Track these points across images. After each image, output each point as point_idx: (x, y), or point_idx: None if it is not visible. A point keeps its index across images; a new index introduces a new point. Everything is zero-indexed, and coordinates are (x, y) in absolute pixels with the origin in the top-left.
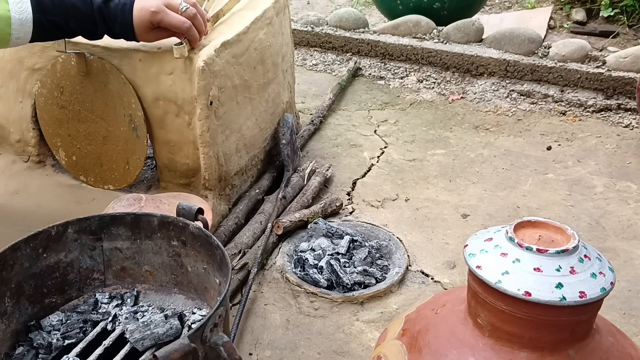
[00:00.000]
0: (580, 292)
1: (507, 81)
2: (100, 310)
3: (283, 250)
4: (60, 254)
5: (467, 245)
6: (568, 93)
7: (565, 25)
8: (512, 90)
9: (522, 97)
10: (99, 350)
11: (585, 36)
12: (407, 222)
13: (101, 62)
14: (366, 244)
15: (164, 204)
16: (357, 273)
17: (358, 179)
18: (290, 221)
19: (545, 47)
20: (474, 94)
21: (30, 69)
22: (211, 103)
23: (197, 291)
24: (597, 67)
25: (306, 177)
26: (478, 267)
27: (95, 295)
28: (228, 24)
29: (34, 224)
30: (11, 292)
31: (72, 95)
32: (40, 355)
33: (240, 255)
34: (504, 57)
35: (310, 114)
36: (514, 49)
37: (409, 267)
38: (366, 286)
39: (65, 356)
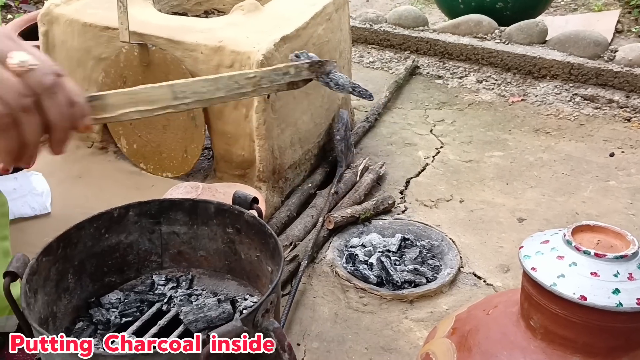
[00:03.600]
0: (638, 298)
1: (571, 84)
2: (156, 292)
3: (334, 245)
4: (121, 235)
5: (522, 246)
6: (634, 99)
7: (634, 30)
8: (575, 94)
9: (585, 101)
10: (154, 330)
11: None
12: (460, 223)
13: (163, 53)
14: (418, 243)
15: (219, 192)
16: (407, 271)
17: (412, 178)
18: (342, 216)
19: (611, 51)
20: (535, 96)
21: (97, 59)
22: (268, 97)
23: (249, 278)
24: None
25: (359, 173)
26: (533, 268)
27: (152, 277)
28: (287, 18)
29: (95, 207)
30: (74, 270)
31: (134, 84)
32: (98, 331)
33: (291, 247)
34: (568, 59)
35: (366, 111)
36: (578, 51)
37: (461, 269)
38: (416, 285)
39: (122, 333)
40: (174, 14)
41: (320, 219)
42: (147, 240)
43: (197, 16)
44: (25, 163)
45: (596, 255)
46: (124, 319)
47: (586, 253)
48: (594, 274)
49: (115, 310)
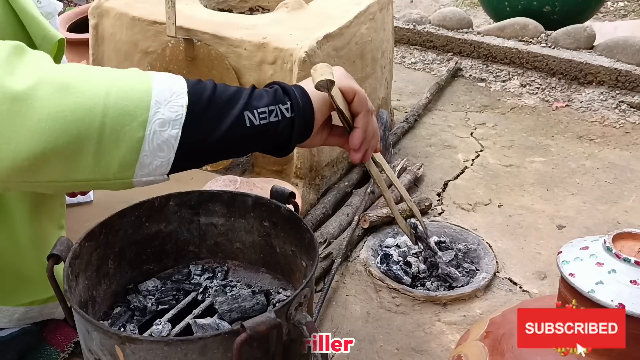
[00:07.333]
0: None
1: (617, 91)
2: (192, 281)
3: (368, 244)
4: (161, 224)
5: (561, 251)
6: None
7: None
8: (622, 102)
9: (632, 109)
10: (189, 318)
11: None
12: (498, 228)
13: (207, 48)
14: (453, 246)
15: (257, 187)
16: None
17: (450, 180)
18: (377, 216)
19: None
20: (580, 102)
21: (143, 52)
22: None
23: (284, 272)
24: None
25: (396, 174)
26: (571, 274)
27: (189, 267)
28: (331, 16)
29: (135, 197)
30: (114, 256)
31: None
32: (135, 317)
33: (325, 244)
34: (616, 66)
35: (405, 112)
36: (627, 58)
37: (497, 274)
38: (450, 288)
39: (157, 320)
40: (220, 10)
41: (356, 218)
42: (185, 230)
43: (242, 13)
44: None
45: (637, 263)
46: (160, 307)
47: (626, 260)
48: (634, 282)
49: (152, 297)
